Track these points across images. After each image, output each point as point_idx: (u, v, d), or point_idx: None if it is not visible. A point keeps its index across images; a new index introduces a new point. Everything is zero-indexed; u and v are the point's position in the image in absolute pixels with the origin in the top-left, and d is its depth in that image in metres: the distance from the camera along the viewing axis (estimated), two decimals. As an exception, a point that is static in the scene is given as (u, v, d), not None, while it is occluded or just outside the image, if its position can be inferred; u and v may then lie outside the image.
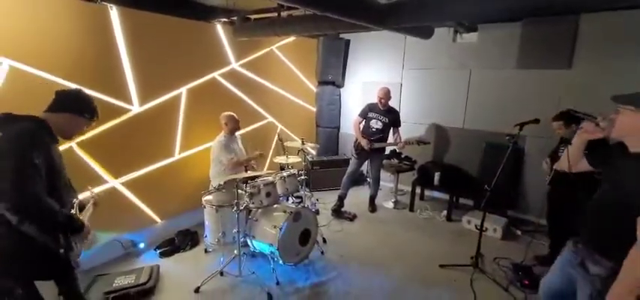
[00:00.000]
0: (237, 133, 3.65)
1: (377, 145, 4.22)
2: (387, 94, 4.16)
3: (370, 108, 4.30)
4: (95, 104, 1.71)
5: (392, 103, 4.34)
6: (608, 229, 1.47)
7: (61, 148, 1.73)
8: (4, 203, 1.38)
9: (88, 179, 2.11)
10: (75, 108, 1.64)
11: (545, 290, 1.88)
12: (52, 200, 1.48)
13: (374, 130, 4.25)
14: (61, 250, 1.55)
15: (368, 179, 4.79)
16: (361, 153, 4.33)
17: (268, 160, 4.89)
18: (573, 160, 1.75)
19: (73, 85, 2.71)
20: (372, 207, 4.55)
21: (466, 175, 4.56)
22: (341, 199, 4.42)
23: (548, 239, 3.32)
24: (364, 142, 4.19)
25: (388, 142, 4.33)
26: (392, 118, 4.26)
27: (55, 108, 1.60)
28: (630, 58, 3.44)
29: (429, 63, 4.83)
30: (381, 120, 4.23)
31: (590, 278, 1.51)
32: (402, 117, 4.39)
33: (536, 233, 3.67)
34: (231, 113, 3.54)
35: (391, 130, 4.33)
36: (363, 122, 4.36)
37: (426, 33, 4.37)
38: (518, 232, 3.89)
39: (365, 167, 4.89)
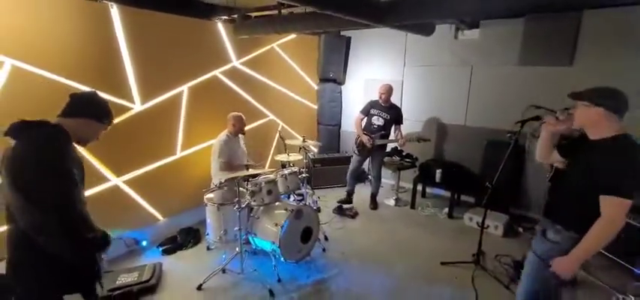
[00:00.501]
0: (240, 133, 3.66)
1: (378, 142, 4.23)
2: (388, 91, 4.16)
3: (372, 105, 4.31)
4: (110, 108, 1.60)
5: (393, 101, 4.33)
6: (570, 205, 1.69)
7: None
8: (43, 223, 1.26)
9: (91, 178, 2.11)
10: (92, 113, 1.52)
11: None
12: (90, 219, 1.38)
13: (376, 126, 4.26)
14: (96, 268, 1.47)
15: (369, 176, 4.80)
16: (363, 150, 4.34)
17: (270, 158, 4.90)
18: (544, 152, 1.95)
19: (75, 85, 2.73)
20: (374, 204, 4.55)
21: (468, 172, 4.56)
22: (349, 194, 4.54)
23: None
24: (365, 139, 4.21)
25: (389, 139, 4.33)
26: (394, 114, 4.25)
27: (71, 113, 1.47)
28: (633, 54, 3.42)
29: (430, 60, 4.81)
30: (382, 116, 4.24)
31: (546, 241, 1.77)
32: (404, 114, 4.39)
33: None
34: (240, 114, 3.54)
35: (393, 127, 4.32)
36: (365, 119, 4.37)
37: (427, 30, 4.35)
38: (520, 230, 3.88)
39: (366, 165, 4.90)
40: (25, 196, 1.25)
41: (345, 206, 4.38)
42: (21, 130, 1.33)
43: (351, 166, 4.53)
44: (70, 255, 1.34)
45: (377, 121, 4.25)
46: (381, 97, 4.20)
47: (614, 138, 1.57)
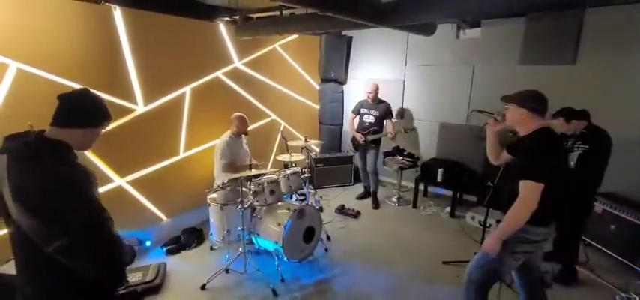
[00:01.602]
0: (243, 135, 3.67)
1: (371, 137, 4.37)
2: (375, 89, 4.38)
3: (361, 104, 4.54)
4: (106, 105, 1.46)
5: (394, 100, 4.39)
6: (509, 195, 1.86)
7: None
8: (95, 268, 1.25)
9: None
10: (90, 121, 1.39)
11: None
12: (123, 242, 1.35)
13: (367, 124, 4.44)
14: (124, 284, 1.44)
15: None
16: (359, 148, 4.54)
17: (272, 159, 4.92)
18: (493, 152, 2.20)
19: (79, 87, 2.75)
20: (375, 203, 4.58)
21: (469, 171, 4.55)
22: (366, 188, 4.81)
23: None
24: (358, 136, 4.43)
25: (380, 134, 4.43)
26: (382, 109, 4.40)
27: (67, 122, 1.33)
28: (635, 52, 3.40)
29: (432, 59, 4.81)
30: (372, 114, 4.42)
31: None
32: (406, 113, 4.42)
33: (540, 229, 3.66)
34: (243, 115, 3.55)
35: (385, 122, 4.44)
36: (357, 118, 4.56)
37: (428, 30, 4.36)
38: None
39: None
40: (53, 229, 1.19)
41: (347, 206, 4.40)
42: (34, 156, 1.23)
43: (360, 165, 4.74)
44: (98, 275, 1.31)
45: (368, 118, 4.44)
46: (368, 96, 4.41)
47: (533, 132, 1.82)
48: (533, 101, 1.83)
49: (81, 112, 1.37)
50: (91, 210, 1.23)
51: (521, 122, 1.87)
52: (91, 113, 1.40)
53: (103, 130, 1.48)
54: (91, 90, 1.43)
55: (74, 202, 1.20)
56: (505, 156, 2.15)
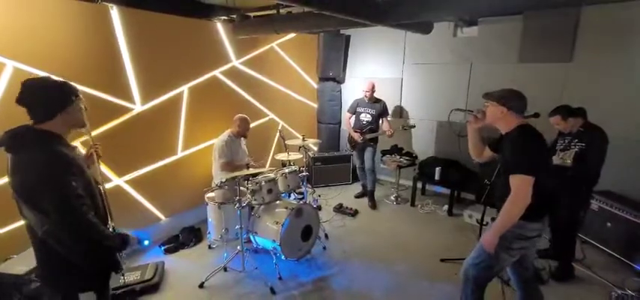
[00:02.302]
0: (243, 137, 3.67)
1: (368, 136, 4.40)
2: (371, 88, 4.41)
3: (358, 103, 4.56)
4: (58, 84, 1.46)
5: (392, 98, 4.39)
6: (500, 191, 1.92)
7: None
8: (63, 245, 1.34)
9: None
10: (54, 109, 1.41)
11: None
12: (103, 226, 1.43)
13: (364, 122, 4.46)
14: (119, 271, 1.56)
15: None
16: (356, 146, 4.55)
17: (270, 158, 4.92)
18: (475, 149, 2.23)
19: (77, 86, 2.74)
20: (372, 202, 4.58)
21: (467, 169, 4.56)
22: (364, 187, 4.81)
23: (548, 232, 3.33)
24: (356, 136, 4.44)
25: (377, 132, 4.45)
26: (379, 108, 4.43)
27: (39, 118, 1.39)
28: (632, 50, 3.41)
29: (429, 58, 4.82)
30: (369, 112, 4.43)
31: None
32: (404, 111, 4.43)
33: (537, 227, 3.67)
34: (246, 117, 3.56)
35: (381, 121, 4.47)
36: (353, 117, 4.57)
37: (425, 28, 4.36)
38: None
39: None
40: (42, 214, 1.30)
41: (346, 204, 4.41)
42: (19, 147, 1.34)
43: (357, 164, 4.75)
44: (82, 261, 1.39)
45: (365, 117, 4.45)
46: (365, 95, 4.42)
47: (516, 128, 1.88)
48: (512, 100, 1.89)
49: (40, 106, 1.40)
50: (63, 195, 1.29)
51: (501, 120, 1.93)
52: (59, 99, 1.43)
53: (82, 103, 1.52)
54: (33, 78, 1.44)
55: (49, 189, 1.28)
56: (488, 153, 2.20)
